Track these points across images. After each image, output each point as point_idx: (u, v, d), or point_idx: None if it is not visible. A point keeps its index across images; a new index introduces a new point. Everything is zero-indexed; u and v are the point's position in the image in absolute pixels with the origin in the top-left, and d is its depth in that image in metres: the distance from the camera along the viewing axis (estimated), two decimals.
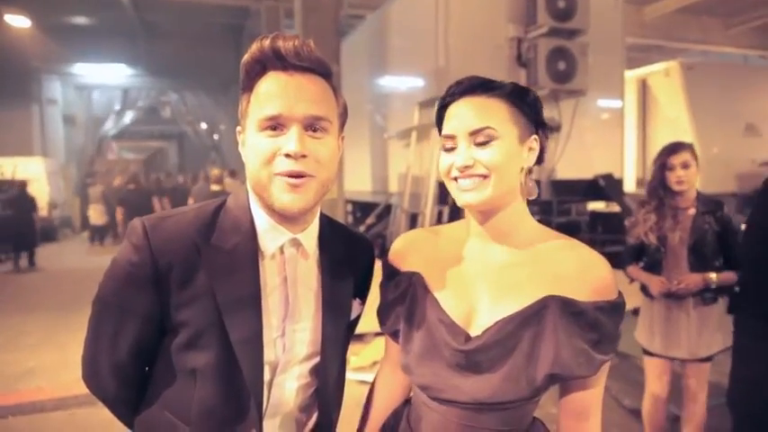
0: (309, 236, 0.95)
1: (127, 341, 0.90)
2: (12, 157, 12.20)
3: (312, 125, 0.86)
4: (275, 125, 0.85)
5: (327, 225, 1.03)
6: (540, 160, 1.00)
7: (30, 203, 9.31)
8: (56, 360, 4.25)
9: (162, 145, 20.20)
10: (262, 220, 0.92)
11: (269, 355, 0.91)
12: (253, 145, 0.86)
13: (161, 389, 0.92)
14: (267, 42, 0.87)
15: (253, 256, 0.90)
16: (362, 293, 1.08)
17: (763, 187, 1.89)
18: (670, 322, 2.43)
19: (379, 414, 1.12)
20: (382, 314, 1.05)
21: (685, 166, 2.38)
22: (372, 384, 1.14)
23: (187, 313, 0.87)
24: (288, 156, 0.84)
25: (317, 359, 0.97)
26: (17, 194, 9.31)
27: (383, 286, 1.06)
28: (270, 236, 0.92)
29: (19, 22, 12.18)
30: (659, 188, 2.44)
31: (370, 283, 1.11)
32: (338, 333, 0.97)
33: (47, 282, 7.89)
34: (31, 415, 3.42)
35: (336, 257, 1.00)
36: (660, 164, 2.43)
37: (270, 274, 0.92)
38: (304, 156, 0.84)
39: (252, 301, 0.88)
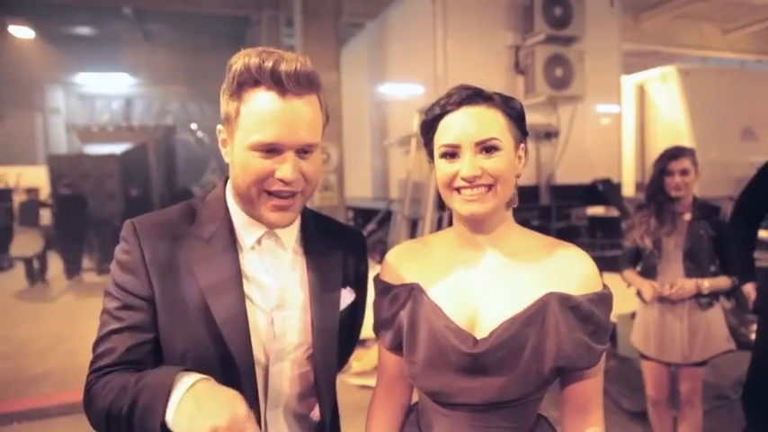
0: (287, 229, 0.99)
1: (130, 330, 0.89)
2: (15, 166, 12.29)
3: (304, 149, 0.90)
4: (270, 149, 0.87)
5: (312, 218, 1.07)
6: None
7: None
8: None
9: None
10: (238, 216, 0.97)
11: (260, 342, 0.94)
12: (244, 162, 0.88)
13: None
14: (269, 64, 0.85)
15: (230, 245, 0.95)
16: (355, 283, 1.09)
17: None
18: (664, 326, 2.44)
19: None
20: (381, 330, 1.07)
21: (684, 172, 2.38)
22: (369, 409, 1.13)
23: (173, 294, 0.90)
24: (281, 180, 0.88)
25: (311, 349, 0.99)
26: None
27: (378, 303, 1.07)
28: (246, 229, 0.97)
29: (23, 32, 12.29)
30: (657, 193, 2.45)
31: (364, 274, 1.13)
32: (329, 322, 1.00)
33: None
34: (37, 421, 3.46)
35: (321, 248, 1.04)
36: (659, 169, 2.44)
37: (250, 265, 0.96)
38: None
39: (233, 284, 0.92)
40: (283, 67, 0.86)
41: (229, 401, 0.73)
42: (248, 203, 0.92)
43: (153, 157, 11.81)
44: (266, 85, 0.87)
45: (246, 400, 0.90)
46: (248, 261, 0.96)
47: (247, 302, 0.93)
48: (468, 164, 0.93)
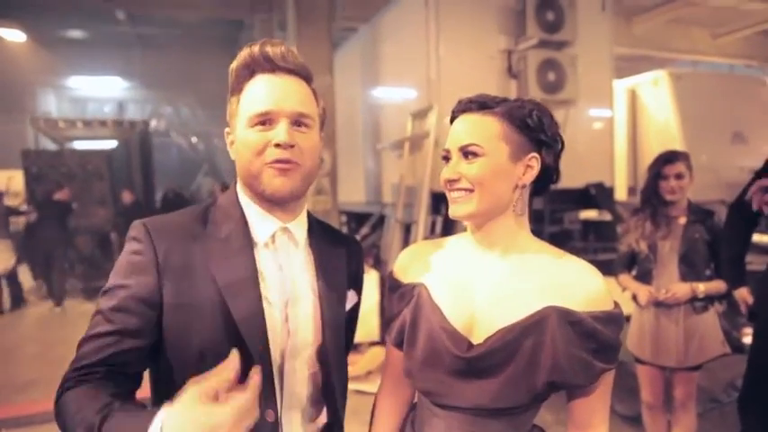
0: (298, 225, 1.02)
1: (120, 335, 0.86)
2: (6, 170, 12.18)
3: (298, 121, 0.96)
4: (265, 120, 0.93)
5: (315, 222, 1.10)
6: (550, 179, 1.02)
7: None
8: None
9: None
10: (252, 212, 0.99)
11: (276, 339, 0.94)
12: (244, 139, 0.94)
13: (167, 391, 0.89)
14: (256, 48, 0.96)
15: (247, 242, 0.96)
16: (356, 287, 1.12)
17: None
18: (659, 330, 2.44)
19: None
20: (389, 325, 1.09)
21: (679, 176, 2.40)
22: (375, 404, 1.16)
23: (190, 295, 0.90)
24: (278, 146, 0.92)
25: (321, 347, 1.00)
26: None
27: (388, 299, 1.10)
28: (261, 225, 0.98)
29: (14, 35, 12.20)
30: (652, 196, 2.46)
31: (361, 280, 1.16)
32: (337, 320, 1.02)
33: None
34: (24, 428, 3.41)
35: (327, 249, 1.06)
36: (654, 173, 2.45)
37: (265, 262, 0.97)
38: (292, 146, 0.93)
39: (250, 282, 0.93)
40: (269, 47, 0.96)
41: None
42: (252, 180, 0.95)
43: (135, 156, 10.52)
44: (259, 68, 0.96)
45: (267, 399, 0.91)
46: (263, 258, 0.98)
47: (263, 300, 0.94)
48: (449, 168, 0.98)
